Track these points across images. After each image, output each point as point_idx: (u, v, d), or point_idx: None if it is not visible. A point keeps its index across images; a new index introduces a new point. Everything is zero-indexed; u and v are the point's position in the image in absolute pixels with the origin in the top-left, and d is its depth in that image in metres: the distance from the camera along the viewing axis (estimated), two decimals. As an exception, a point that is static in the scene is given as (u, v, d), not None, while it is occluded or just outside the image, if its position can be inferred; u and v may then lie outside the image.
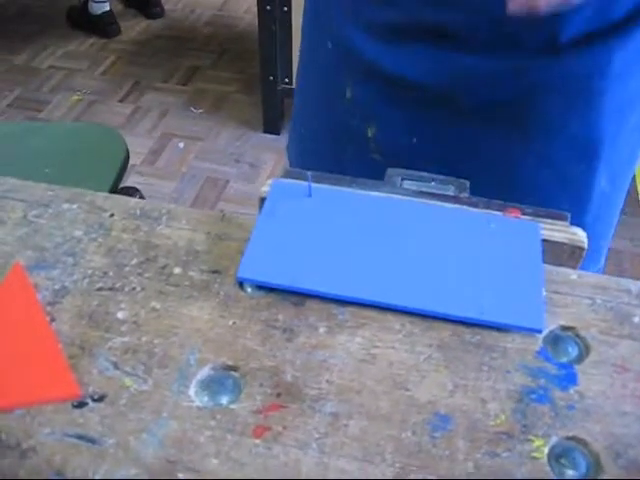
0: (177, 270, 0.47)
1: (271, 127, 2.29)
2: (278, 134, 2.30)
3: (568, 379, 0.41)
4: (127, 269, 0.47)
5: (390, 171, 0.54)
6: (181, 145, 2.27)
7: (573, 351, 0.43)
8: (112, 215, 0.51)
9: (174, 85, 2.54)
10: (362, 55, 0.64)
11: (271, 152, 2.23)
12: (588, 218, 0.65)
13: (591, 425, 0.39)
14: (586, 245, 0.49)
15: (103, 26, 2.76)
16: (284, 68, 2.10)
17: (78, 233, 0.50)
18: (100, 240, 0.49)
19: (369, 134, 0.68)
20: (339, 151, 0.73)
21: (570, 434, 0.39)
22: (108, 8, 2.75)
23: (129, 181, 2.11)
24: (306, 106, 0.78)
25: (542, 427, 0.39)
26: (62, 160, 1.16)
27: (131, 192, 1.16)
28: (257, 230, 0.48)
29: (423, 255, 0.47)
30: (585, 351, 0.43)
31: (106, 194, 0.53)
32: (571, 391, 0.41)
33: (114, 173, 1.09)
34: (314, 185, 0.51)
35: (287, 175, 0.54)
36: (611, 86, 0.57)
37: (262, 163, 2.20)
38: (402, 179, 0.53)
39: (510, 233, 0.48)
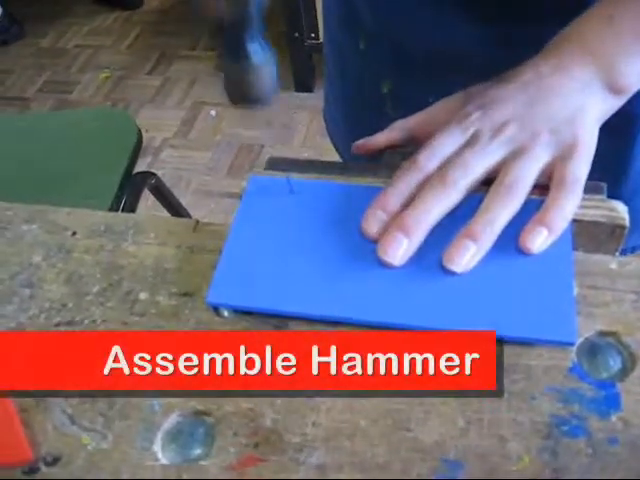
0: (143, 296, 0.41)
1: (302, 85, 2.20)
2: (311, 91, 2.20)
3: (609, 402, 0.33)
4: (88, 298, 0.41)
5: (389, 151, 0.47)
6: (213, 113, 2.21)
7: (615, 364, 0.35)
8: (74, 234, 0.45)
9: (201, 52, 2.46)
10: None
11: (304, 111, 2.14)
12: (624, 192, 0.57)
13: (640, 464, 0.31)
14: (627, 222, 0.40)
15: (125, -3, 2.69)
16: (309, 24, 2.00)
17: (37, 259, 0.44)
18: (60, 265, 0.43)
19: (384, 90, 0.63)
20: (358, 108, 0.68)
21: (613, 477, 0.31)
22: (128, -22, 2.67)
23: (163, 156, 2.07)
24: (327, 63, 0.73)
25: (577, 470, 0.31)
26: (75, 149, 1.12)
27: (147, 177, 1.10)
28: (230, 243, 0.41)
29: (427, 261, 0.39)
30: (630, 363, 0.35)
31: (69, 209, 0.47)
32: (613, 418, 0.33)
33: (126, 159, 1.03)
34: (297, 178, 0.44)
35: (271, 165, 0.47)
36: None
37: (296, 124, 2.11)
38: (402, 158, 0.45)
39: (529, 216, 0.39)
